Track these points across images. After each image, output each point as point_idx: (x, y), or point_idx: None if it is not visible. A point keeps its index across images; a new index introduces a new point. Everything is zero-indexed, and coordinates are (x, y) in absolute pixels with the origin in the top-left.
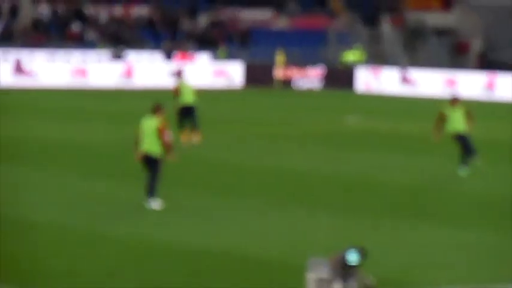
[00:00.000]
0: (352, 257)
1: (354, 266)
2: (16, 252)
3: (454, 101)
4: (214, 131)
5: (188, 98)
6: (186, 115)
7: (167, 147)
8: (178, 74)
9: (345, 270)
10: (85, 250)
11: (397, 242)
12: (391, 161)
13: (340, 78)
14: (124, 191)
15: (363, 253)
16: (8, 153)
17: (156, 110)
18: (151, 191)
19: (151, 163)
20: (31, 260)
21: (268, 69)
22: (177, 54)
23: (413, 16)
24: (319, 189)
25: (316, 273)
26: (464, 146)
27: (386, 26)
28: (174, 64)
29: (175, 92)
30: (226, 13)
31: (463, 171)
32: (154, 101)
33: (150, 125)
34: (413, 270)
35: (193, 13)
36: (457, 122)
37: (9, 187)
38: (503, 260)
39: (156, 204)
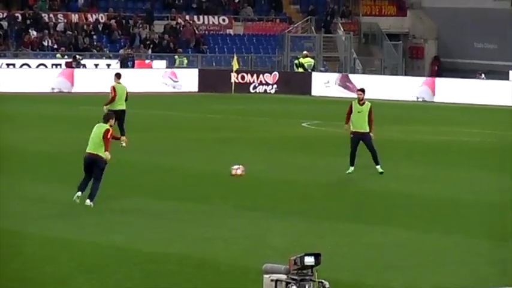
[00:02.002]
0: (309, 260)
1: (310, 269)
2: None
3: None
4: (169, 137)
5: (120, 102)
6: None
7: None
8: (117, 76)
9: (301, 273)
10: (40, 255)
11: (352, 245)
12: (346, 164)
13: (295, 83)
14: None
15: (319, 257)
16: None
17: (106, 118)
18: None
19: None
20: None
21: (223, 74)
22: (133, 61)
23: (367, 21)
24: (275, 194)
25: (273, 276)
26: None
27: (340, 31)
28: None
29: (113, 94)
30: (182, 19)
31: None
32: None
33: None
34: (367, 273)
35: (149, 19)
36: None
37: None
38: (460, 263)
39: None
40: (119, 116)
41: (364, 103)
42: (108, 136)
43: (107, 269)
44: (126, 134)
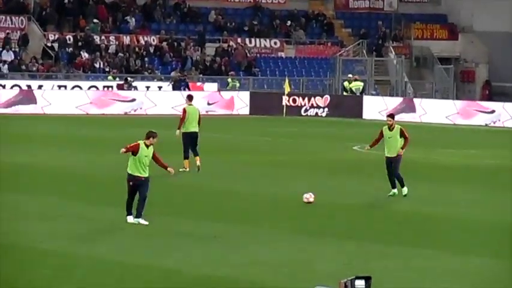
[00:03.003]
0: (359, 283)
1: None
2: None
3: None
4: (221, 159)
5: (194, 125)
6: (191, 142)
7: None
8: (189, 98)
9: None
10: (90, 278)
11: (401, 269)
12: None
13: (347, 106)
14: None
15: (369, 280)
16: (11, 179)
17: (148, 135)
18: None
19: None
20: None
21: (275, 97)
22: (187, 84)
23: (419, 44)
24: (324, 217)
25: None
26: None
27: (392, 55)
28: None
29: (183, 116)
30: (234, 42)
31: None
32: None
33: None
34: None
35: (201, 42)
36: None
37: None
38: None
39: (143, 221)
40: (192, 138)
41: (393, 128)
42: (128, 146)
43: None
44: (200, 156)
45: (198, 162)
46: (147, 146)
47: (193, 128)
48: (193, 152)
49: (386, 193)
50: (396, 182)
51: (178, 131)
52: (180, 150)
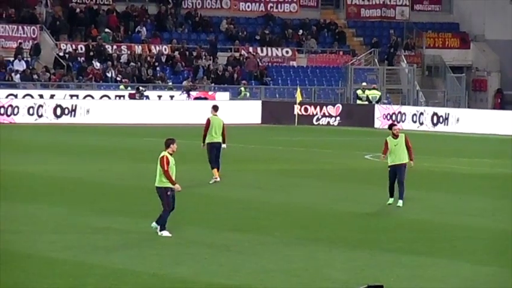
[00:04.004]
0: None
1: None
2: None
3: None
4: (233, 168)
5: (217, 135)
6: (215, 152)
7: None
8: (214, 108)
9: None
10: (102, 287)
11: (415, 278)
12: (410, 196)
13: (359, 115)
14: (139, 226)
15: None
16: (24, 189)
17: (166, 143)
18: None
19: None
20: None
21: (287, 106)
22: (197, 92)
23: (431, 53)
24: (336, 226)
25: None
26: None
27: (403, 64)
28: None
29: (206, 127)
30: (245, 51)
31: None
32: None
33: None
34: None
35: (213, 51)
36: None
37: (22, 222)
38: None
39: (166, 233)
40: (215, 148)
41: (398, 136)
42: (164, 164)
43: None
44: (221, 167)
45: (216, 176)
46: (171, 155)
47: (216, 138)
48: (216, 163)
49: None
50: (395, 191)
51: (202, 144)
52: (204, 159)
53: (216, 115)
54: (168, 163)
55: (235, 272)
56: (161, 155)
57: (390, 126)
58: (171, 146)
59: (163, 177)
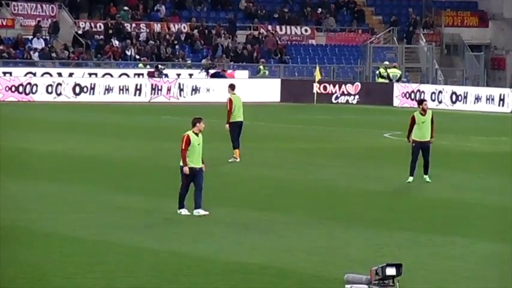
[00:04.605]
0: (390, 271)
1: (391, 279)
2: (47, 268)
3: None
4: (252, 147)
5: (240, 114)
6: (238, 130)
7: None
8: (231, 87)
9: (382, 284)
10: (122, 265)
11: (433, 256)
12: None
13: (377, 93)
14: (160, 205)
15: (400, 267)
16: (44, 168)
17: (193, 123)
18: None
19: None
20: (63, 276)
21: (305, 84)
22: (216, 71)
23: (449, 32)
24: (356, 205)
25: (354, 286)
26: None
27: (422, 42)
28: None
29: (230, 107)
30: (264, 29)
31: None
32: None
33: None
34: (448, 284)
35: (232, 29)
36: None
37: (43, 202)
38: None
39: (203, 212)
40: (239, 127)
41: (426, 113)
42: (183, 143)
43: (188, 279)
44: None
45: (235, 156)
46: (197, 134)
47: (239, 117)
48: (237, 142)
49: (418, 180)
50: (417, 168)
51: (227, 125)
52: (222, 138)
53: (234, 94)
54: (188, 143)
55: (254, 251)
56: (185, 133)
57: (420, 102)
58: (197, 124)
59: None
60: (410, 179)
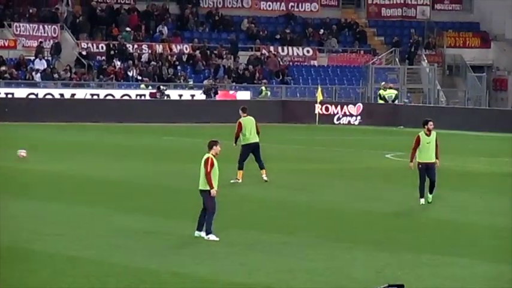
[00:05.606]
0: None
1: None
2: None
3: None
4: (254, 167)
5: (252, 135)
6: (253, 153)
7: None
8: (243, 110)
9: None
10: (122, 285)
11: (435, 277)
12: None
13: (379, 114)
14: (162, 226)
15: None
16: (46, 189)
17: (209, 145)
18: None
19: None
20: None
21: (307, 105)
22: (216, 91)
23: (452, 53)
24: (357, 225)
25: None
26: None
27: (424, 63)
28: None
29: (237, 130)
30: (266, 50)
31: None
32: (194, 137)
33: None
34: None
35: (234, 50)
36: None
37: (46, 222)
38: None
39: (213, 237)
40: (253, 148)
41: (431, 133)
42: (208, 166)
43: None
44: (266, 166)
45: (264, 176)
46: (214, 157)
47: (253, 138)
48: (258, 164)
49: (416, 201)
50: (426, 189)
51: (234, 144)
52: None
53: (246, 115)
54: (212, 165)
55: (256, 271)
56: (205, 156)
57: (425, 122)
58: (214, 147)
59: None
60: (422, 200)
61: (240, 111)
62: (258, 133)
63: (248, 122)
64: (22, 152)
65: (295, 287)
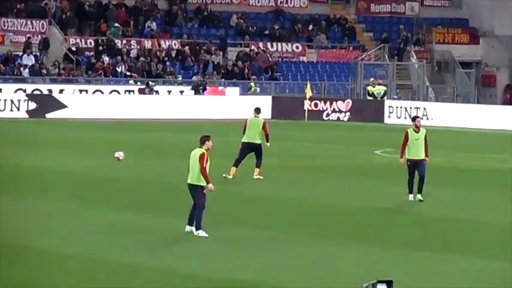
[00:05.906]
0: (381, 287)
1: None
2: (38, 285)
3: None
4: (243, 164)
5: (254, 136)
6: (251, 152)
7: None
8: (256, 110)
9: None
10: (112, 281)
11: (424, 273)
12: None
13: (368, 110)
14: (151, 223)
15: (391, 284)
16: (35, 185)
17: (201, 140)
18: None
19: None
20: None
21: (297, 101)
22: (206, 88)
23: (440, 49)
24: (346, 222)
25: None
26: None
27: (413, 59)
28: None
29: (244, 127)
30: (255, 46)
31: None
32: (183, 133)
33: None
34: None
35: (223, 46)
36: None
37: (35, 219)
38: None
39: (203, 233)
40: (251, 149)
41: (419, 130)
42: (204, 161)
43: None
44: (262, 167)
45: (256, 174)
46: (206, 152)
47: (253, 139)
48: (256, 161)
49: (403, 198)
50: (415, 186)
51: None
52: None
53: (256, 116)
54: (207, 160)
55: (244, 268)
56: (199, 152)
57: (413, 119)
58: (206, 142)
59: (200, 175)
60: (411, 196)
61: (254, 112)
62: (267, 135)
63: (253, 122)
64: (119, 155)
65: (285, 283)
